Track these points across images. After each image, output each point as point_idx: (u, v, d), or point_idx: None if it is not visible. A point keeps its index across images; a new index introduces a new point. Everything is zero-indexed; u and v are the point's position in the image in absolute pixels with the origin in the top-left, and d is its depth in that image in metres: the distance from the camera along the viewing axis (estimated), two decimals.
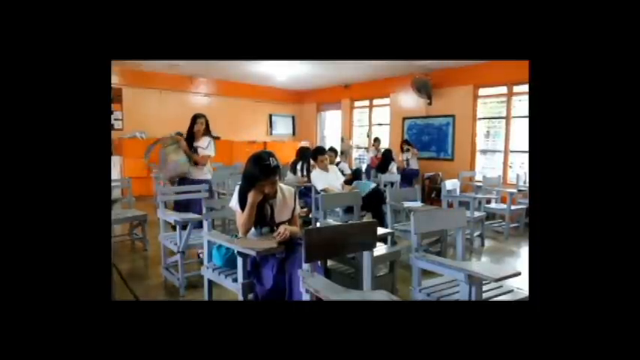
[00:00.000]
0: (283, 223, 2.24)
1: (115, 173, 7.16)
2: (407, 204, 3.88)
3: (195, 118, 4.00)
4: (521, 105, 6.63)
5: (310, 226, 3.06)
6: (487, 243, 4.73)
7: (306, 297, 1.62)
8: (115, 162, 7.30)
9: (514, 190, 5.33)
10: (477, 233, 4.58)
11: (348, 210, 3.71)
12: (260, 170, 2.11)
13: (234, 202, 2.25)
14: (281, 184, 2.30)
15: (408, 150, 7.17)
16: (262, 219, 2.21)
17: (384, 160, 6.67)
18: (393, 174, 6.12)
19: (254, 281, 2.14)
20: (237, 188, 2.26)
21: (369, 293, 1.74)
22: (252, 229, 2.22)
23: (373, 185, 4.65)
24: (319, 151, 4.51)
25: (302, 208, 5.08)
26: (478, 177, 6.35)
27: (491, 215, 5.44)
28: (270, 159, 2.13)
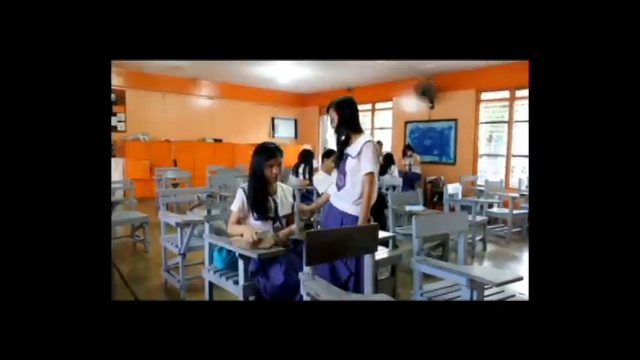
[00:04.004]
0: (285, 216, 2.42)
1: (118, 175, 7.17)
2: (409, 207, 3.88)
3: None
4: (524, 109, 6.62)
5: (312, 229, 3.05)
6: (489, 247, 4.71)
7: (307, 299, 1.62)
8: (118, 164, 7.31)
9: (516, 195, 5.31)
10: (478, 237, 4.57)
11: None
12: (269, 151, 2.30)
13: (235, 206, 2.37)
14: (280, 183, 2.47)
15: (410, 156, 7.17)
16: (267, 211, 2.35)
17: (384, 163, 6.67)
18: (395, 177, 6.11)
19: (259, 278, 2.15)
20: (238, 192, 2.37)
21: (370, 297, 1.73)
22: (258, 221, 2.33)
23: None
24: (333, 152, 4.58)
25: None
26: (480, 181, 6.34)
27: (493, 219, 5.43)
28: (273, 144, 2.37)
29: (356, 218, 2.19)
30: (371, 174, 2.16)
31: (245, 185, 2.39)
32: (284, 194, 2.46)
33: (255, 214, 2.33)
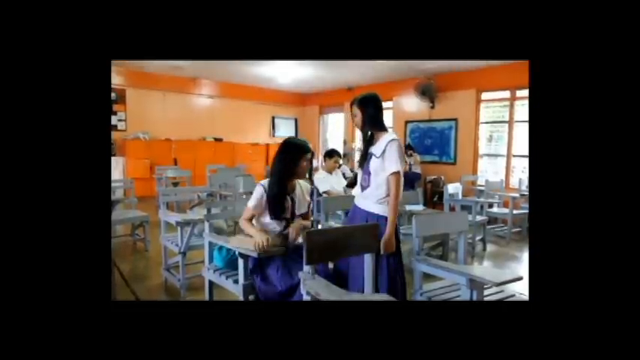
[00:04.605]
0: (301, 214, 2.36)
1: (118, 174, 7.17)
2: (409, 207, 3.87)
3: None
4: (524, 109, 6.61)
5: (312, 229, 3.05)
6: (489, 247, 4.71)
7: (307, 299, 1.62)
8: (118, 163, 7.31)
9: (516, 195, 5.31)
10: (478, 237, 4.57)
11: None
12: (303, 146, 2.27)
13: (252, 202, 2.26)
14: (298, 180, 2.39)
15: (411, 155, 7.17)
16: (284, 211, 2.27)
17: None
18: None
19: (256, 278, 2.13)
20: (258, 188, 2.26)
21: (370, 297, 1.74)
22: (273, 220, 2.26)
23: None
24: (335, 152, 4.58)
25: None
26: (480, 181, 6.33)
27: (493, 219, 5.43)
28: (301, 139, 2.38)
29: (380, 217, 2.11)
30: (396, 174, 2.07)
31: (265, 182, 2.27)
32: (302, 192, 2.39)
33: (271, 215, 2.24)
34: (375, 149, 2.16)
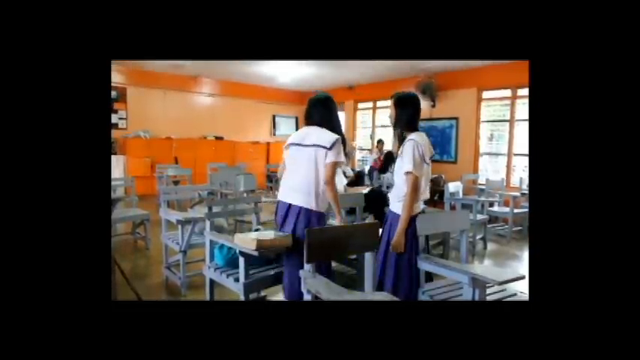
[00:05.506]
0: None
1: (119, 172, 7.18)
2: None
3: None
4: (525, 108, 6.60)
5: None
6: (490, 246, 4.71)
7: (307, 297, 1.62)
8: (119, 161, 7.32)
9: (517, 194, 5.31)
10: (479, 236, 4.57)
11: (351, 211, 3.70)
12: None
13: (342, 156, 2.16)
14: None
15: None
16: None
17: (385, 162, 6.69)
18: None
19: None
20: (340, 142, 2.16)
21: (371, 295, 1.73)
22: None
23: None
24: None
25: None
26: (481, 180, 6.33)
27: (494, 218, 5.42)
28: None
29: (397, 215, 2.13)
30: (409, 174, 2.08)
31: (336, 136, 2.17)
32: None
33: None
34: (401, 149, 2.20)
